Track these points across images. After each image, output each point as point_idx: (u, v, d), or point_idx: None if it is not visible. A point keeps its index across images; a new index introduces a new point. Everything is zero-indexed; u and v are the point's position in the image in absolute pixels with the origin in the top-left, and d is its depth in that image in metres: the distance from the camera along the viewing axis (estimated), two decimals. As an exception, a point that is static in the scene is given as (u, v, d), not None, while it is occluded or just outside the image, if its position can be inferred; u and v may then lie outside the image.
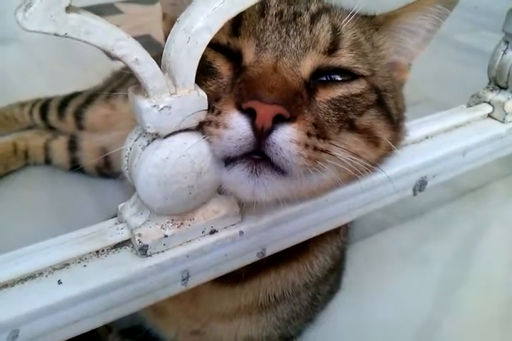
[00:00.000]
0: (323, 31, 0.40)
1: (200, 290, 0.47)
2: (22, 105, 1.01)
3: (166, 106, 0.30)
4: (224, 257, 0.38)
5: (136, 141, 0.33)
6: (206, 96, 0.32)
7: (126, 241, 0.35)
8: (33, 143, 0.92)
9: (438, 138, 0.51)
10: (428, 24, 0.46)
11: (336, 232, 0.50)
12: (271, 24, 0.39)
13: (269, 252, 0.41)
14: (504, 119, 0.56)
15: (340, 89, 0.40)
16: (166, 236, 0.34)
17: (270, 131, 0.32)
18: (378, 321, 0.67)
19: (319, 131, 0.36)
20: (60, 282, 0.32)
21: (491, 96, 0.57)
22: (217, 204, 0.36)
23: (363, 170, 0.39)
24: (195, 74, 0.31)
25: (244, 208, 0.38)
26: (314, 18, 0.41)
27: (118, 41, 0.27)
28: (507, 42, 0.56)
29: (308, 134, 0.35)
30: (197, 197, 0.35)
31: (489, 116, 0.57)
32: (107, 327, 0.60)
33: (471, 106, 0.58)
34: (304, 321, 0.56)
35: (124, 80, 0.94)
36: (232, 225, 0.37)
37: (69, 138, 0.91)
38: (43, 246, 0.34)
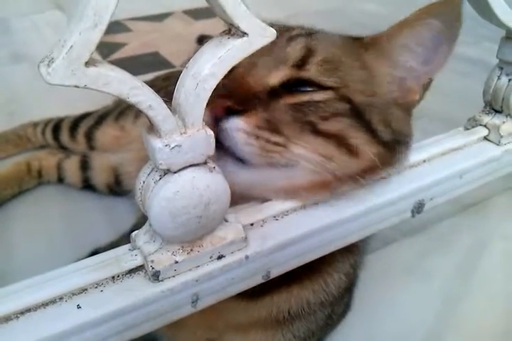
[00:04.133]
0: (295, 49, 0.46)
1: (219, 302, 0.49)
2: (35, 125, 1.04)
3: (176, 145, 0.33)
4: (231, 280, 0.40)
5: (148, 175, 0.35)
6: (213, 134, 0.35)
7: (140, 266, 0.37)
8: (46, 163, 0.95)
9: (435, 161, 0.54)
10: (426, 42, 0.47)
11: (347, 251, 0.52)
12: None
13: (273, 274, 0.43)
14: (499, 142, 0.58)
15: (305, 97, 0.44)
16: (176, 262, 0.37)
17: (221, 119, 0.39)
18: (384, 335, 0.69)
19: (273, 127, 0.41)
20: (79, 306, 0.35)
21: (487, 119, 0.59)
22: (223, 231, 0.39)
23: (342, 177, 0.43)
24: (203, 115, 0.34)
25: (249, 233, 0.41)
26: (291, 40, 0.47)
27: (132, 90, 0.30)
28: (501, 68, 0.59)
29: (258, 127, 0.40)
30: (205, 226, 0.37)
31: (485, 138, 0.59)
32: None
33: (468, 129, 0.60)
34: (316, 338, 0.58)
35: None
36: (238, 250, 0.40)
37: (81, 157, 0.94)
38: (63, 273, 0.37)
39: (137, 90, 0.30)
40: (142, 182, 0.36)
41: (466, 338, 0.70)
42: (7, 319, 0.33)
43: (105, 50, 1.63)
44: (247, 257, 0.40)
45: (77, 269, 0.37)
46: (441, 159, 0.54)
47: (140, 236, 0.38)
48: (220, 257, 0.39)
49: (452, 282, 0.79)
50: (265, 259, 0.41)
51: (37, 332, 0.33)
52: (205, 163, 0.36)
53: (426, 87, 0.51)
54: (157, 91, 0.32)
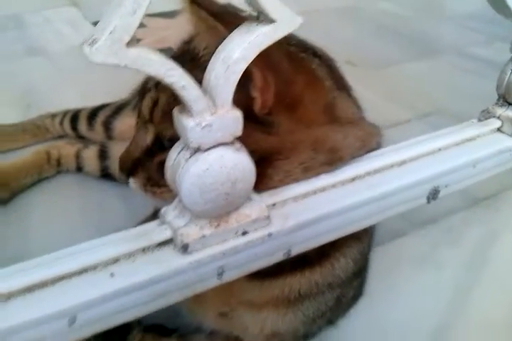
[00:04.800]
0: (145, 105, 0.50)
1: (234, 280, 0.52)
2: (53, 116, 1.06)
3: (207, 125, 0.35)
4: (254, 256, 0.42)
5: (179, 153, 0.37)
6: (241, 116, 0.36)
7: (169, 240, 0.39)
8: (65, 152, 0.97)
9: (450, 150, 0.55)
10: None
11: (356, 238, 0.55)
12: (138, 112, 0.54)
13: (294, 252, 0.45)
14: (512, 133, 0.59)
15: (163, 155, 0.45)
16: (204, 236, 0.39)
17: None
18: (394, 322, 0.71)
19: (154, 180, 0.51)
20: (112, 275, 0.37)
21: (500, 111, 0.61)
22: (248, 208, 0.41)
23: None
24: (232, 96, 0.36)
25: (271, 213, 0.43)
26: (142, 97, 0.50)
27: (168, 71, 0.32)
28: (514, 62, 0.60)
29: (144, 184, 0.51)
30: (232, 203, 0.39)
31: (498, 130, 0.60)
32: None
33: (481, 120, 0.62)
34: (327, 321, 0.60)
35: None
36: (262, 227, 0.42)
37: (99, 147, 0.96)
38: (96, 244, 0.39)
39: (173, 71, 0.32)
40: (173, 161, 0.38)
41: (476, 327, 0.72)
42: (44, 285, 0.35)
43: (120, 44, 1.64)
44: (269, 234, 0.42)
45: (109, 241, 0.39)
46: (456, 148, 0.56)
47: (169, 211, 0.40)
48: (244, 233, 0.41)
49: (463, 273, 0.81)
50: (286, 238, 0.43)
51: (72, 298, 0.35)
52: (233, 143, 0.37)
53: None
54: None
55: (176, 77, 0.32)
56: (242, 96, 0.38)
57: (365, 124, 0.53)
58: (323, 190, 0.47)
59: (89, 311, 0.36)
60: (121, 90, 1.08)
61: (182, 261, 0.39)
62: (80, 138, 1.03)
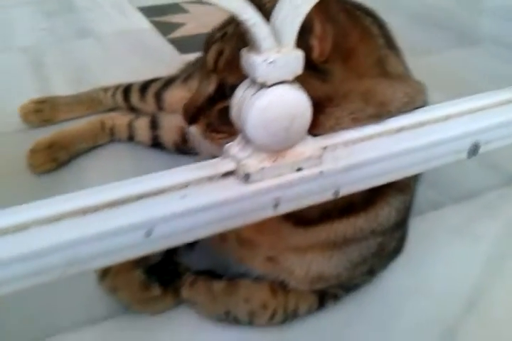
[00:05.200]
0: (211, 55, 0.54)
1: (281, 227, 0.56)
2: (105, 89, 1.13)
3: (272, 61, 0.39)
4: (306, 191, 0.46)
5: (245, 91, 0.42)
6: (302, 55, 0.40)
7: (232, 171, 0.44)
8: (118, 122, 1.03)
9: (492, 109, 0.58)
10: None
11: (399, 190, 0.59)
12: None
13: (342, 193, 0.49)
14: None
15: (224, 103, 0.53)
16: (263, 168, 0.43)
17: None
18: (430, 285, 0.74)
19: (213, 127, 0.55)
20: (183, 196, 0.42)
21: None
22: (303, 146, 0.45)
23: None
24: (295, 37, 0.40)
25: (323, 154, 0.47)
26: (209, 48, 0.55)
27: (244, 8, 0.36)
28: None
29: (204, 130, 0.56)
30: (289, 138, 0.43)
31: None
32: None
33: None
34: (367, 270, 0.64)
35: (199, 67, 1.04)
36: (314, 165, 0.46)
37: (151, 118, 1.02)
38: (168, 172, 0.44)
39: (247, 9, 0.37)
40: (239, 97, 0.42)
41: (509, 291, 0.74)
42: (124, 202, 0.40)
43: (165, 28, 1.72)
44: (321, 172, 0.46)
45: (181, 170, 0.44)
46: (498, 108, 0.58)
47: (233, 146, 0.45)
48: (299, 169, 0.45)
49: (499, 244, 0.83)
50: (336, 177, 0.47)
51: (149, 213, 0.40)
52: (294, 81, 0.41)
53: None
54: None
55: (249, 14, 0.37)
56: (302, 44, 0.42)
57: (412, 81, 0.56)
58: (370, 138, 0.51)
59: (163, 225, 0.41)
60: (159, 69, 1.18)
61: (243, 189, 0.43)
62: (131, 109, 1.08)
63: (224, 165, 0.44)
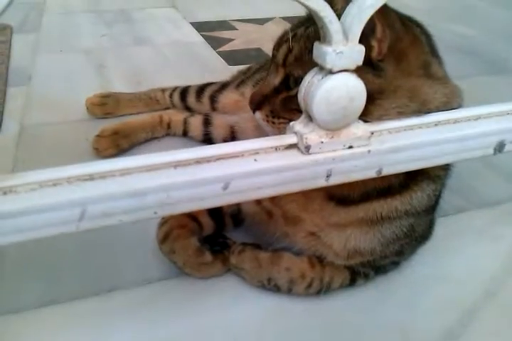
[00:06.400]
0: (281, 52, 0.64)
1: (325, 206, 0.65)
2: (163, 90, 1.24)
3: (340, 52, 0.48)
4: (354, 167, 0.55)
5: (313, 76, 0.51)
6: (364, 50, 0.50)
7: (295, 144, 0.53)
8: (175, 118, 1.14)
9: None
10: None
11: (431, 179, 0.67)
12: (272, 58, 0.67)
13: (384, 172, 0.57)
14: None
15: (287, 93, 0.64)
16: (322, 142, 0.52)
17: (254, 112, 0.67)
18: (452, 274, 0.81)
19: (275, 113, 0.65)
20: (255, 160, 0.51)
21: None
22: (355, 127, 0.54)
23: None
24: (359, 34, 0.49)
25: (371, 137, 0.55)
26: (281, 45, 0.65)
27: (323, 7, 0.46)
28: None
29: (267, 115, 0.65)
30: (346, 118, 0.52)
31: None
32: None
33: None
34: (398, 249, 0.71)
35: (252, 74, 1.14)
36: (364, 145, 0.54)
37: (204, 116, 1.12)
38: (245, 142, 0.53)
39: (326, 8, 0.46)
40: (307, 82, 0.52)
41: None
42: (208, 160, 0.50)
43: (215, 42, 1.84)
44: (369, 151, 0.54)
45: (252, 141, 0.53)
46: (524, 113, 0.66)
47: (296, 124, 0.54)
48: (350, 147, 0.54)
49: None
50: (380, 157, 0.56)
51: (228, 169, 0.49)
52: (354, 70, 0.51)
53: None
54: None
55: (326, 12, 0.46)
56: (364, 44, 0.51)
57: (451, 85, 0.65)
58: (411, 128, 0.59)
59: (238, 181, 0.50)
60: (209, 77, 1.32)
61: (304, 158, 0.52)
62: (187, 109, 1.19)
63: (289, 138, 0.53)
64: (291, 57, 0.62)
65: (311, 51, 0.52)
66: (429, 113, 0.61)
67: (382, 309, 0.74)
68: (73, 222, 0.46)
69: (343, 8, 0.49)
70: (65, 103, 1.30)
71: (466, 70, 1.67)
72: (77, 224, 0.46)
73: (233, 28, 2.05)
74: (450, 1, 2.59)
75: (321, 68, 0.50)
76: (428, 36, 0.65)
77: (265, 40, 1.89)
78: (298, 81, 0.57)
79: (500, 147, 0.64)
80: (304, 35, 0.62)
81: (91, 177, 0.47)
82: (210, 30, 1.98)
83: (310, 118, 0.53)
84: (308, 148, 0.52)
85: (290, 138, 0.53)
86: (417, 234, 0.71)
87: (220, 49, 1.79)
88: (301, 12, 0.66)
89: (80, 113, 1.23)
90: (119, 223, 0.48)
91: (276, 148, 0.53)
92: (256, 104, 0.66)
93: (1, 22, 1.90)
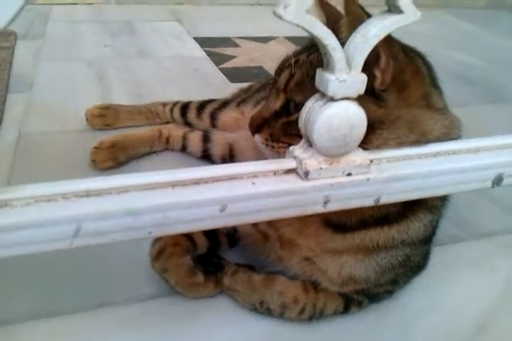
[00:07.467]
0: (283, 77, 0.64)
1: (322, 232, 0.65)
2: (164, 104, 1.25)
3: (343, 80, 0.48)
4: (353, 194, 0.55)
5: (314, 102, 0.51)
6: (366, 79, 0.50)
7: (294, 169, 0.53)
8: (174, 133, 1.15)
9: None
10: None
11: (428, 209, 0.67)
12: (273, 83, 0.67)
13: (382, 201, 0.57)
14: None
15: (287, 118, 0.64)
16: (321, 168, 0.52)
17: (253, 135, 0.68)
18: (445, 305, 0.81)
19: (275, 137, 0.65)
20: (253, 183, 0.50)
21: None
22: (354, 155, 0.54)
23: None
24: (363, 63, 0.49)
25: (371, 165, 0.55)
26: (282, 71, 0.65)
27: (327, 35, 0.46)
28: None
29: (266, 139, 0.66)
30: (345, 145, 0.52)
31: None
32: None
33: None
34: (393, 278, 0.71)
35: (253, 93, 1.15)
36: (363, 173, 0.54)
37: (203, 132, 1.12)
38: (244, 164, 0.53)
39: (329, 35, 0.46)
40: (308, 108, 0.52)
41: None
42: (197, 182, 0.49)
43: (217, 58, 1.85)
44: (368, 179, 0.54)
45: (251, 163, 0.53)
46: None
47: (296, 149, 0.54)
48: (349, 174, 0.54)
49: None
50: (379, 186, 0.56)
51: (225, 192, 0.49)
52: (356, 99, 0.51)
53: None
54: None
55: (330, 40, 0.46)
56: (367, 73, 0.51)
57: (451, 116, 0.65)
58: (410, 158, 0.59)
59: (236, 204, 0.50)
60: (211, 93, 1.33)
61: (302, 184, 0.52)
62: (187, 124, 1.19)
63: (288, 163, 0.53)
64: (292, 83, 0.63)
65: (313, 77, 0.52)
66: (428, 143, 0.61)
67: (375, 338, 0.73)
68: (67, 238, 0.46)
69: (347, 37, 0.50)
70: (64, 112, 1.30)
71: (466, 98, 1.68)
72: (71, 241, 0.46)
73: (236, 45, 2.06)
74: (452, 29, 2.62)
75: (323, 95, 0.50)
76: (429, 67, 0.66)
77: (267, 58, 1.91)
78: (298, 106, 0.58)
79: (498, 180, 0.64)
80: (307, 61, 0.62)
81: (87, 194, 0.47)
82: (213, 46, 2.00)
83: (310, 144, 0.53)
84: (307, 173, 0.52)
85: (289, 163, 0.53)
86: (412, 263, 0.71)
87: (223, 65, 1.80)
88: (305, 33, 0.66)
89: (79, 123, 1.24)
90: (112, 241, 0.48)
91: (275, 173, 0.53)
92: (256, 128, 0.67)
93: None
